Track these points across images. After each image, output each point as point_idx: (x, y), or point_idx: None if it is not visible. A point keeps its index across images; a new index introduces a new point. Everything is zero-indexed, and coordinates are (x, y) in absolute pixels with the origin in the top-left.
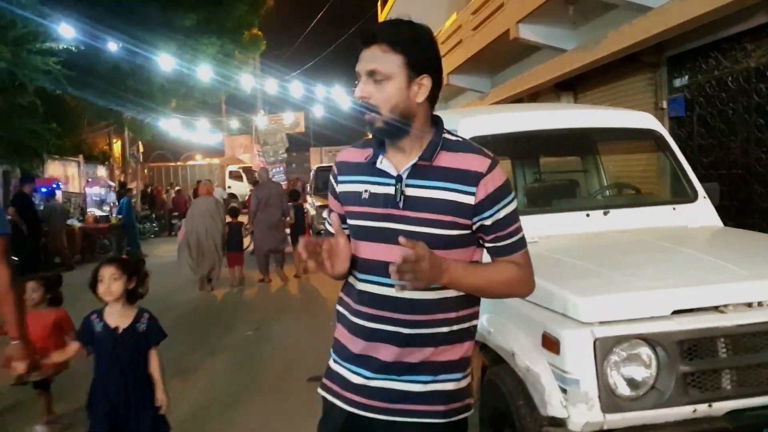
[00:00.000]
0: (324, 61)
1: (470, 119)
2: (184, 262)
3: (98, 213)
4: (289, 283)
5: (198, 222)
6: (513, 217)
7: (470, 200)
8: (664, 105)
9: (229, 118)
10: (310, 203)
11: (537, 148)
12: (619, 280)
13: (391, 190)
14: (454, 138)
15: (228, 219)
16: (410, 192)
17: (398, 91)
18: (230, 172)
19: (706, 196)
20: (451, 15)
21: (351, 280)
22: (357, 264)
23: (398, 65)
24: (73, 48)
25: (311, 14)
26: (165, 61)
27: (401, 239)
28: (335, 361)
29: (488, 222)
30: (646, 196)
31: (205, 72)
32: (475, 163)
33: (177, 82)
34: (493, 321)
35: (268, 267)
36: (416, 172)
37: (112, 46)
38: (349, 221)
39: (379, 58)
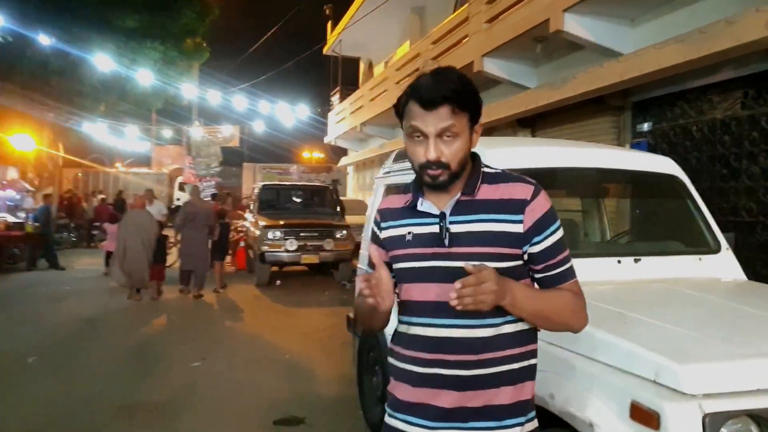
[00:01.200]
0: (267, 77)
1: (497, 151)
2: (117, 272)
3: (11, 219)
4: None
5: (130, 235)
6: (562, 245)
7: (518, 228)
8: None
9: (161, 127)
10: (251, 222)
11: (566, 185)
12: (711, 345)
13: (435, 228)
14: (492, 170)
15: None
16: (455, 228)
17: (465, 145)
18: (180, 184)
19: (729, 247)
20: (404, 43)
21: (400, 327)
22: (407, 308)
23: (465, 121)
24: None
25: (258, 30)
26: (102, 61)
27: (467, 266)
28: (390, 416)
29: (537, 249)
30: (673, 244)
31: (145, 77)
32: (518, 191)
33: (112, 85)
34: (554, 382)
35: (189, 280)
36: (459, 208)
37: (44, 40)
38: (395, 265)
39: (450, 118)
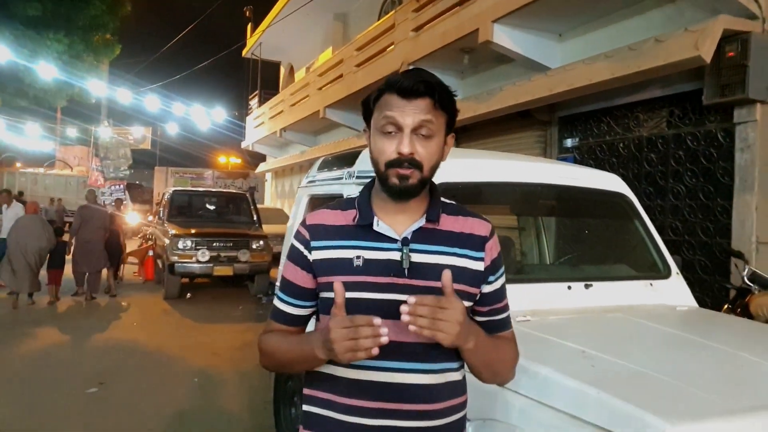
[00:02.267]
0: (181, 78)
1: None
2: (6, 274)
3: None
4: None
5: (22, 239)
6: (506, 290)
7: (480, 266)
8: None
9: (65, 126)
10: (160, 230)
11: (507, 201)
12: (696, 396)
13: (394, 255)
14: (448, 201)
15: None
16: (417, 258)
17: (438, 149)
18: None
19: (678, 272)
20: (327, 49)
21: (331, 369)
22: None
23: (443, 123)
24: None
25: (173, 29)
26: None
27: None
28: None
29: (489, 289)
30: (622, 268)
31: (46, 70)
32: (478, 227)
33: (9, 78)
34: None
35: (83, 280)
36: (421, 235)
37: None
38: (329, 295)
39: (429, 113)
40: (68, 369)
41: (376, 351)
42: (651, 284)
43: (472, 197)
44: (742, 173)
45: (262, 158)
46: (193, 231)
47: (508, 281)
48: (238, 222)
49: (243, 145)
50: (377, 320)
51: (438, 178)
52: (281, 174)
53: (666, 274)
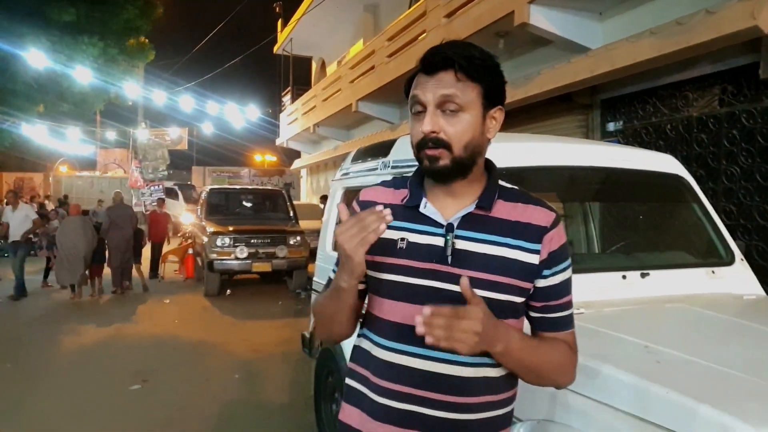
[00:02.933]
0: (215, 78)
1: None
2: (62, 273)
3: None
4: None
5: (69, 238)
6: (569, 286)
7: (534, 259)
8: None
9: (105, 129)
10: (199, 228)
11: (561, 187)
12: None
13: (438, 241)
14: (509, 186)
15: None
16: (462, 245)
17: (473, 125)
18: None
19: (743, 258)
20: (358, 41)
21: (367, 344)
22: (383, 327)
23: (476, 95)
24: None
25: (205, 29)
26: (35, 57)
27: (464, 284)
28: None
29: (544, 284)
30: (681, 255)
31: (83, 75)
32: (538, 216)
33: (48, 84)
34: None
35: (121, 280)
36: (470, 221)
37: None
38: (374, 274)
39: (453, 85)
40: (112, 366)
41: (383, 228)
42: (713, 272)
43: (519, 183)
44: None
45: (297, 155)
46: (231, 228)
47: None
48: (274, 218)
49: (277, 142)
50: (379, 206)
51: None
52: (316, 170)
53: (729, 260)
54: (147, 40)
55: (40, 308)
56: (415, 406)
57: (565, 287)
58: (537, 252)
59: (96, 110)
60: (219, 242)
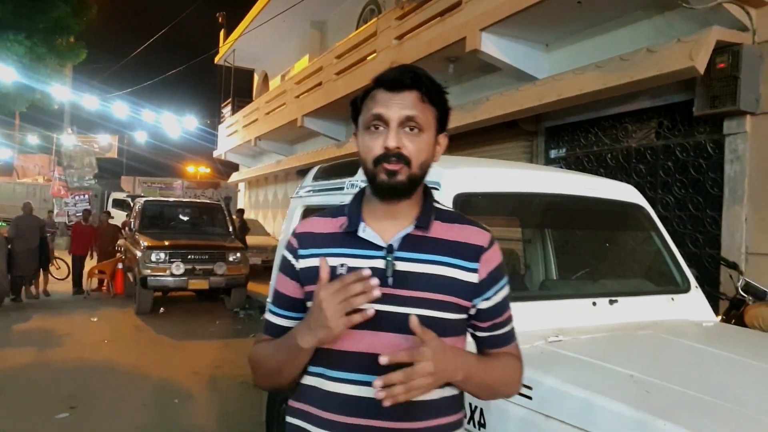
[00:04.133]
0: (151, 85)
1: (455, 171)
2: None
3: None
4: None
5: None
6: (508, 303)
7: (473, 278)
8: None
9: (25, 133)
10: (131, 242)
11: (528, 213)
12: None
13: (378, 263)
14: (444, 207)
15: None
16: (402, 266)
17: (429, 145)
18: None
19: (697, 285)
20: (303, 57)
21: (313, 380)
22: (327, 358)
23: (432, 117)
24: None
25: (143, 35)
26: None
27: (413, 323)
28: None
29: (488, 305)
30: (642, 282)
31: (5, 73)
32: (475, 236)
33: None
34: None
35: (20, 289)
36: (409, 243)
37: None
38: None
39: (416, 106)
40: (35, 392)
41: (371, 312)
42: (672, 298)
43: (482, 209)
44: (731, 184)
45: (234, 168)
46: (166, 243)
47: (530, 298)
48: (213, 233)
49: (215, 154)
50: (367, 271)
51: (452, 189)
52: (255, 184)
53: (686, 287)
54: (78, 41)
55: None
56: None
57: (505, 304)
58: (475, 271)
59: (16, 112)
60: (154, 257)
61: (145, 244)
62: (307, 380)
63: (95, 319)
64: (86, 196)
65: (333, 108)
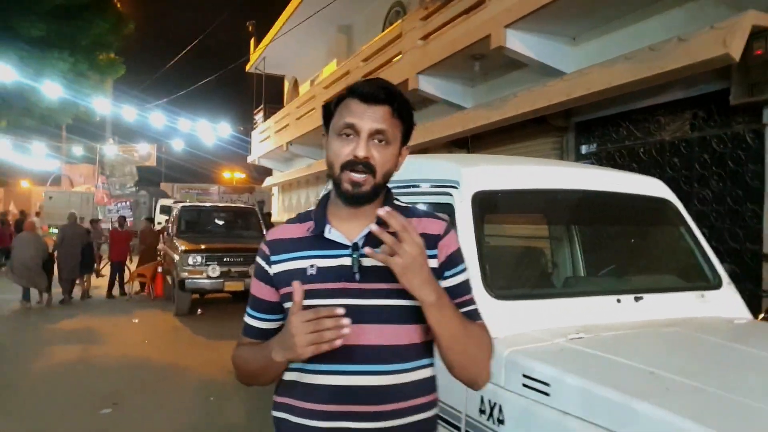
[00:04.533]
0: (186, 94)
1: (475, 169)
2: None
3: None
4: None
5: (22, 251)
6: (469, 286)
7: (433, 263)
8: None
9: (71, 144)
10: (169, 246)
11: (550, 210)
12: None
13: (345, 261)
14: (403, 204)
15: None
16: (367, 262)
17: (393, 158)
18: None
19: (730, 281)
20: (331, 61)
21: (293, 375)
22: None
23: (399, 131)
24: None
25: (177, 46)
26: (2, 71)
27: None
28: None
29: (448, 284)
30: (670, 278)
31: (51, 89)
32: (432, 226)
33: (14, 98)
34: None
35: (70, 291)
36: (373, 239)
37: None
38: (289, 305)
39: (387, 120)
40: (80, 388)
41: (339, 342)
42: (702, 295)
43: (507, 206)
44: None
45: (268, 172)
46: (203, 246)
47: (553, 296)
48: (247, 236)
49: (249, 159)
50: (340, 310)
51: (471, 187)
52: (288, 188)
53: (717, 284)
54: (117, 56)
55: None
56: (340, 422)
57: (466, 286)
58: (435, 257)
59: (62, 125)
60: (191, 260)
61: (183, 247)
62: (288, 376)
63: (136, 320)
64: (128, 203)
65: None
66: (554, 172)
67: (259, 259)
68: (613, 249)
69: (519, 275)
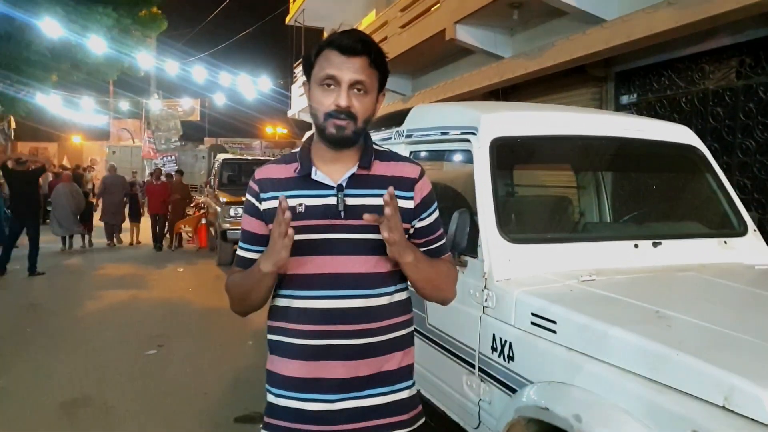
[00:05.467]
0: (227, 49)
1: (494, 115)
2: (54, 227)
3: None
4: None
5: (60, 201)
6: (440, 223)
7: (410, 204)
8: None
9: (117, 99)
10: (212, 198)
11: (572, 156)
12: None
13: (331, 200)
14: (383, 149)
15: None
16: (351, 201)
17: (372, 104)
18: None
19: (756, 228)
20: (370, 11)
21: (284, 301)
22: (295, 281)
23: (376, 80)
24: None
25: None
26: (49, 26)
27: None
28: (279, 396)
29: (422, 224)
30: (693, 225)
31: (97, 44)
32: (407, 170)
33: (62, 53)
34: (580, 400)
35: (112, 235)
36: (355, 181)
37: None
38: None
39: (365, 71)
40: (128, 331)
41: (291, 232)
42: (725, 242)
43: (526, 153)
44: None
45: (309, 127)
46: (244, 198)
47: (567, 240)
48: None
49: (289, 114)
50: (284, 203)
51: (489, 133)
52: None
53: (742, 231)
54: (159, 11)
55: (53, 275)
56: (330, 340)
57: (437, 223)
58: (411, 198)
59: (109, 80)
60: (232, 212)
61: (224, 200)
62: (279, 302)
63: (181, 270)
64: (173, 157)
65: (398, 62)
66: (577, 118)
67: (249, 196)
68: (637, 196)
69: (536, 220)
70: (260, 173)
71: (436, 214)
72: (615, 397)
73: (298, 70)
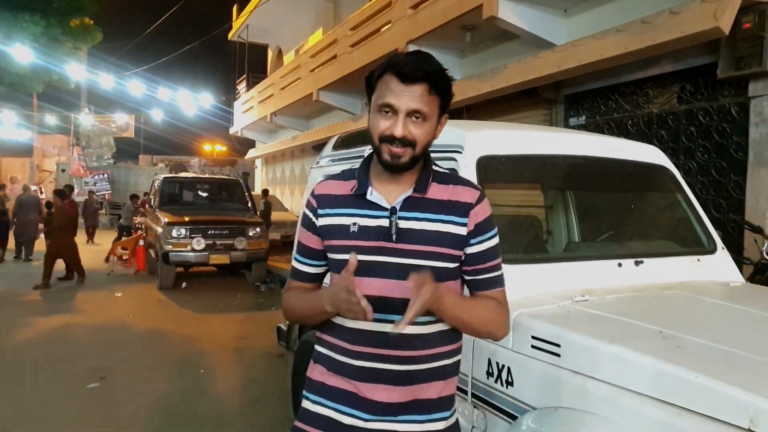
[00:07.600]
0: (166, 63)
1: (479, 133)
2: None
3: None
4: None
5: None
6: (495, 252)
7: (462, 231)
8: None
9: (43, 113)
10: (152, 218)
11: (558, 175)
12: None
13: (384, 222)
14: (442, 170)
15: None
16: (403, 224)
17: (431, 130)
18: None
19: (724, 246)
20: (317, 30)
21: (339, 319)
22: None
23: (436, 106)
24: None
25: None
26: None
27: (411, 276)
28: (316, 402)
29: (473, 250)
30: (668, 243)
31: (22, 54)
32: (465, 194)
33: None
34: (594, 426)
35: (21, 250)
36: (409, 204)
37: None
38: (333, 256)
39: (423, 99)
40: (67, 363)
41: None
42: (698, 260)
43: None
44: (756, 148)
45: (251, 144)
46: (187, 219)
47: (556, 260)
48: (232, 209)
49: (231, 131)
50: (365, 302)
51: (475, 152)
52: (272, 160)
53: (712, 249)
54: (92, 22)
55: None
56: (376, 363)
57: (492, 252)
58: (465, 225)
59: (33, 93)
60: (174, 233)
61: (166, 220)
62: (336, 319)
63: (119, 294)
64: (105, 175)
65: (348, 81)
66: (559, 138)
67: (306, 211)
68: (613, 215)
69: (522, 240)
70: (320, 188)
71: (491, 243)
72: (630, 422)
73: (241, 87)
